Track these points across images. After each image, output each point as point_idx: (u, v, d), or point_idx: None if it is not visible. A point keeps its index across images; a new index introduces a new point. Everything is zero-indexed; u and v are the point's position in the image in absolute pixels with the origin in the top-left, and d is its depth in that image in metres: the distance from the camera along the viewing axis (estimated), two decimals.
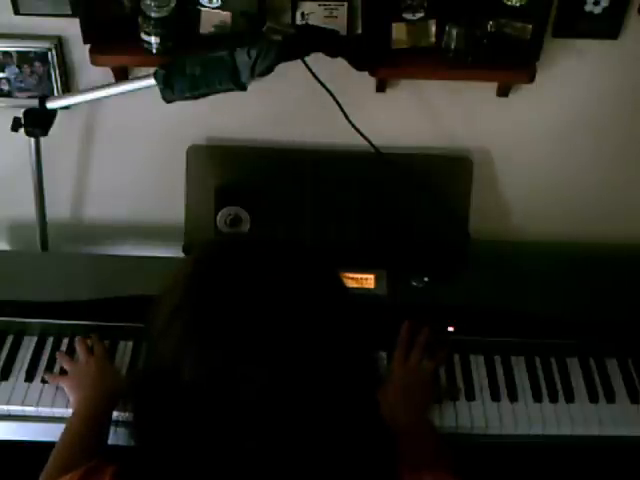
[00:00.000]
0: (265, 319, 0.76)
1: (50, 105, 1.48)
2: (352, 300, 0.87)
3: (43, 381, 1.44)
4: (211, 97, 1.37)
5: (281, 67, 1.31)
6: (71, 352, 1.49)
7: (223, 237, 0.89)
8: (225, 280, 0.80)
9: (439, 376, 1.45)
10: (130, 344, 1.51)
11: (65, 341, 1.51)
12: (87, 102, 1.51)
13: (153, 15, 1.40)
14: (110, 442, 1.27)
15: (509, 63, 1.47)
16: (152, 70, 1.37)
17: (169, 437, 0.79)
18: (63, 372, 1.45)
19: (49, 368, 1.46)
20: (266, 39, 1.34)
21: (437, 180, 1.61)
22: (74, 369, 1.43)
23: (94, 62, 1.48)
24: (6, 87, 1.59)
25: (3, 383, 1.44)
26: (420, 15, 1.45)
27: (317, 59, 1.36)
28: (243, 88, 1.33)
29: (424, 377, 1.41)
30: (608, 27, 1.48)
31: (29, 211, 1.65)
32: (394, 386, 1.35)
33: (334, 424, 0.80)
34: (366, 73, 1.50)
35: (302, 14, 1.45)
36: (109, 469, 0.89)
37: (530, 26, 1.42)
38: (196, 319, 0.78)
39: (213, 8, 1.44)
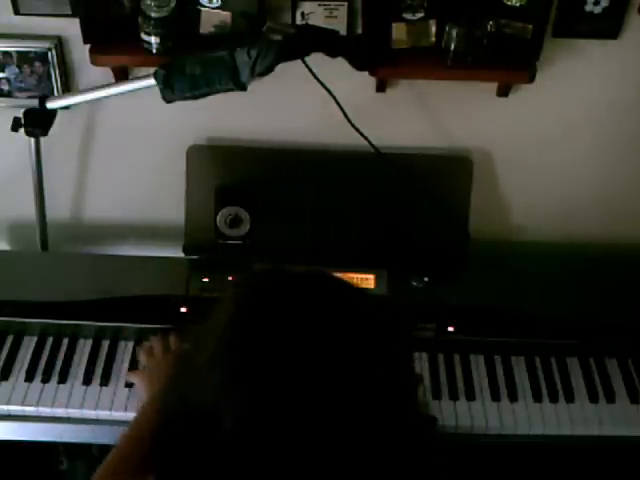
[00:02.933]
0: (314, 367, 0.73)
1: (50, 105, 1.48)
2: (401, 333, 0.83)
3: (43, 381, 1.44)
4: (211, 97, 1.37)
5: (281, 67, 1.31)
6: (71, 353, 1.49)
7: (261, 273, 0.84)
8: (268, 325, 0.76)
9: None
10: (130, 344, 1.51)
11: (65, 341, 1.51)
12: (87, 102, 1.51)
13: (153, 15, 1.40)
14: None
15: (509, 63, 1.47)
16: (152, 70, 1.37)
17: (205, 475, 0.77)
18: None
19: (49, 368, 1.46)
20: (266, 39, 1.34)
21: (437, 180, 1.61)
22: (150, 363, 1.39)
23: (94, 62, 1.48)
24: (6, 87, 1.59)
25: (3, 383, 1.44)
26: (420, 15, 1.45)
27: (317, 59, 1.36)
28: (243, 88, 1.33)
29: None
30: (608, 27, 1.48)
31: (29, 211, 1.65)
32: None
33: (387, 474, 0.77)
34: (366, 73, 1.50)
35: (302, 14, 1.45)
36: None
37: (530, 26, 1.42)
38: (238, 367, 0.75)
39: (213, 8, 1.44)
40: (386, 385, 0.77)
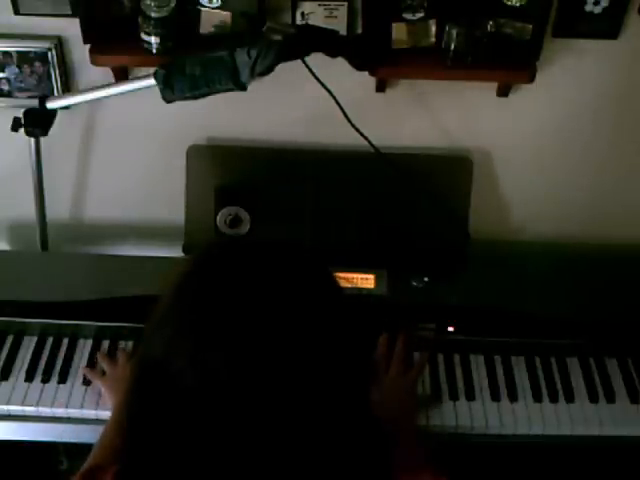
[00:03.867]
0: (257, 320, 0.77)
1: (50, 105, 1.48)
2: (347, 301, 0.87)
3: (43, 381, 1.44)
4: (211, 97, 1.37)
5: (281, 67, 1.31)
6: (71, 353, 1.49)
7: (221, 239, 0.89)
8: (219, 281, 0.81)
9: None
10: (130, 344, 1.51)
11: (65, 341, 1.51)
12: (87, 102, 1.51)
13: (153, 15, 1.40)
14: None
15: (509, 63, 1.47)
16: (152, 70, 1.37)
17: (162, 434, 0.80)
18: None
19: (49, 368, 1.46)
20: (266, 39, 1.34)
21: (437, 180, 1.61)
22: (112, 372, 1.43)
23: (94, 62, 1.48)
24: (6, 87, 1.59)
25: (3, 383, 1.44)
26: (420, 15, 1.45)
27: (317, 59, 1.36)
28: (243, 88, 1.33)
29: (407, 386, 1.40)
30: (608, 27, 1.48)
31: (29, 211, 1.65)
32: (378, 399, 1.33)
33: (329, 422, 0.80)
34: (366, 73, 1.50)
35: (302, 14, 1.45)
36: (111, 469, 0.89)
37: (530, 26, 1.42)
38: (189, 316, 0.79)
39: (213, 8, 1.44)
40: (321, 341, 0.80)
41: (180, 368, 0.77)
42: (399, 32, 1.46)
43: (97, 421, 1.40)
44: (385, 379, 1.41)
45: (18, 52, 1.54)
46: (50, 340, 1.51)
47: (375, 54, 1.47)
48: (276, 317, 0.77)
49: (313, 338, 0.79)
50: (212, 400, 0.76)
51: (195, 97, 1.37)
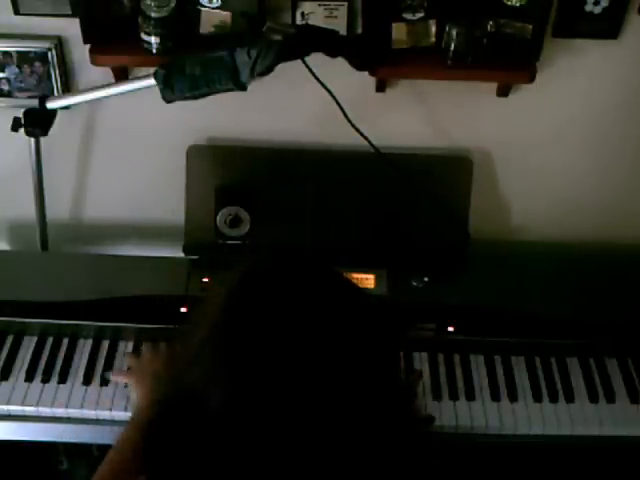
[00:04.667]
0: (301, 353, 0.75)
1: (50, 105, 1.48)
2: (383, 317, 0.85)
3: (43, 381, 1.44)
4: (211, 97, 1.37)
5: (281, 67, 1.31)
6: (71, 353, 1.49)
7: (255, 263, 0.85)
8: (256, 311, 0.78)
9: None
10: (130, 344, 1.51)
11: (65, 341, 1.51)
12: (87, 102, 1.51)
13: (153, 15, 1.40)
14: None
15: (509, 63, 1.47)
16: (152, 70, 1.37)
17: (194, 461, 0.78)
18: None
19: (49, 368, 1.46)
20: (266, 39, 1.34)
21: (437, 180, 1.61)
22: (138, 365, 1.40)
23: (94, 62, 1.48)
24: (6, 87, 1.59)
25: (3, 383, 1.44)
26: (420, 15, 1.45)
27: (317, 59, 1.36)
28: (243, 88, 1.33)
29: None
30: (608, 27, 1.48)
31: (29, 211, 1.65)
32: None
33: (366, 451, 0.78)
34: (366, 73, 1.50)
35: (302, 14, 1.45)
36: None
37: (530, 26, 1.42)
38: (226, 351, 0.77)
39: (213, 8, 1.44)
40: (369, 376, 0.79)
41: (216, 400, 0.75)
42: (399, 32, 1.46)
43: (97, 421, 1.41)
44: None
45: (18, 52, 1.54)
46: (50, 340, 1.51)
47: (375, 54, 1.47)
48: (317, 349, 0.76)
49: (355, 369, 0.77)
50: (246, 429, 0.74)
51: (195, 97, 1.37)
